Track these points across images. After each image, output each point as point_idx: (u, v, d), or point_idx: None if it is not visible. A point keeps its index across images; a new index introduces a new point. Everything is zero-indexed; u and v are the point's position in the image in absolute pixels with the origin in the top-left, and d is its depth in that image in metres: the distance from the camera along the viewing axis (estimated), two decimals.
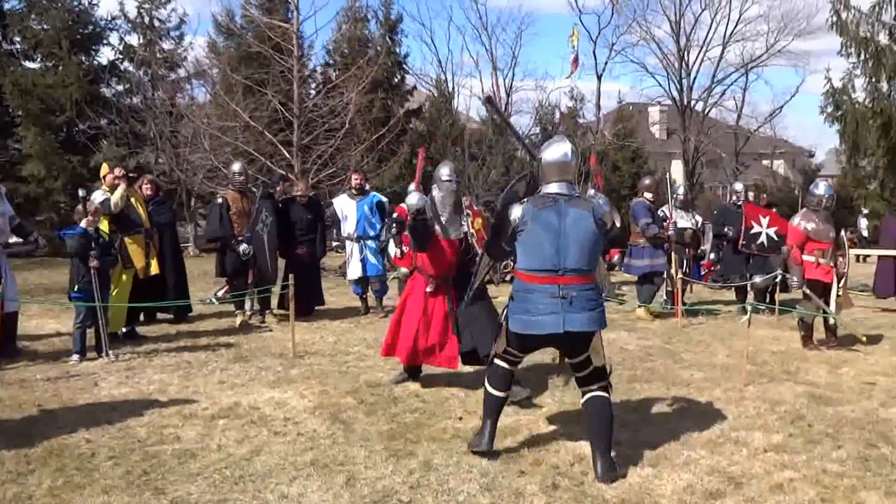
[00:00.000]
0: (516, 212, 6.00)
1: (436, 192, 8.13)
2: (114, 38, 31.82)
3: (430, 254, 7.96)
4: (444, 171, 8.23)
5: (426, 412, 7.48)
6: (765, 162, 58.16)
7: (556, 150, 6.08)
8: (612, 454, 5.98)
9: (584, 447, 6.33)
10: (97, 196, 10.45)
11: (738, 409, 7.56)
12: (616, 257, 20.80)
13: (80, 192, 10.05)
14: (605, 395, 6.15)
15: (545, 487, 5.64)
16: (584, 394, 6.18)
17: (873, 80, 19.26)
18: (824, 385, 8.58)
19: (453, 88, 44.08)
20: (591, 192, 16.17)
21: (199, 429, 7.01)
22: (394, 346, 8.21)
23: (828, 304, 10.62)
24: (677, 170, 50.29)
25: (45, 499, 5.47)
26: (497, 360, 6.38)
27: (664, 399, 8.00)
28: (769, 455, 6.30)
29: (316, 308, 13.35)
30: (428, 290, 8.00)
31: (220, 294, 14.40)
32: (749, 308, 8.97)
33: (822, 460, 6.18)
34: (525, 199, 6.10)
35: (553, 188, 6.02)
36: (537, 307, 5.87)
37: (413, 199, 7.79)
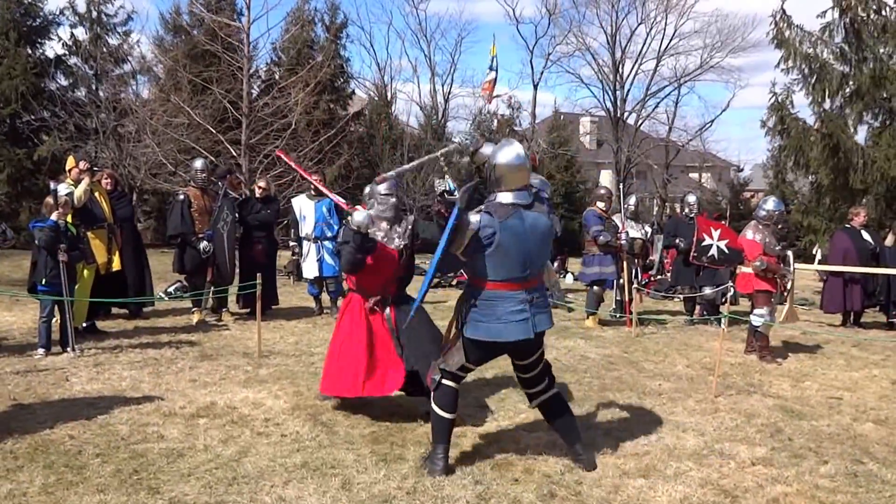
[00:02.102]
0: (474, 221, 5.78)
1: (372, 208, 7.53)
2: (61, 31, 31.53)
3: (368, 270, 7.31)
4: (383, 187, 7.60)
5: (405, 416, 7.47)
6: (692, 175, 58.89)
7: (510, 152, 5.93)
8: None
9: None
10: (62, 189, 10.30)
11: (716, 421, 7.67)
12: (555, 263, 21.03)
13: (51, 185, 9.93)
14: (556, 390, 6.35)
15: (542, 496, 5.68)
16: (533, 397, 6.33)
17: (816, 97, 19.60)
18: (792, 399, 8.74)
19: (392, 93, 44.11)
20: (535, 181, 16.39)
21: (181, 427, 6.98)
22: (337, 384, 7.46)
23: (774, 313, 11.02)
24: (606, 179, 50.75)
25: (41, 496, 5.41)
26: (445, 381, 6.21)
27: (639, 408, 8.09)
28: (758, 468, 6.40)
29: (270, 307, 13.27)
30: (368, 306, 7.43)
31: (171, 290, 14.29)
32: (724, 319, 9.13)
33: (811, 475, 6.28)
34: (482, 209, 5.88)
35: (510, 198, 5.88)
36: (506, 314, 5.84)
37: (360, 216, 7.06)
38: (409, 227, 7.57)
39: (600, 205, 13.75)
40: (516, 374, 6.41)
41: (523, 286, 5.88)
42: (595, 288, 13.52)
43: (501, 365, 9.47)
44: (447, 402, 6.18)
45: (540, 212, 5.97)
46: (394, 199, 7.61)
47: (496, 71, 27.38)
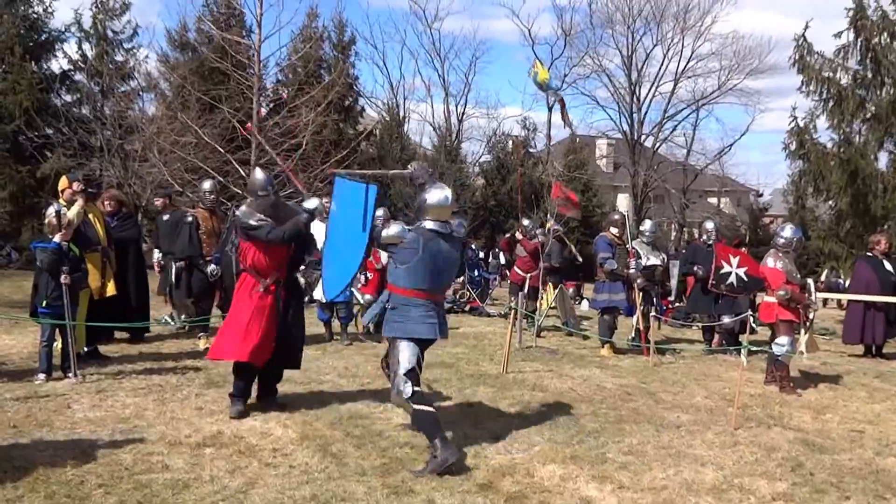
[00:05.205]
0: (401, 231, 7.12)
1: (250, 209, 8.37)
2: (67, 47, 31.33)
3: (266, 255, 8.29)
4: (260, 179, 8.54)
5: (416, 447, 7.28)
6: (711, 199, 58.75)
7: (439, 194, 7.20)
8: None
9: (587, 488, 6.34)
10: (52, 210, 9.97)
11: (735, 455, 7.48)
12: (571, 290, 20.81)
13: (55, 207, 9.68)
14: None
15: None
16: None
17: (836, 121, 19.49)
18: (813, 431, 8.54)
19: (405, 113, 44.04)
20: (551, 222, 16.20)
21: (187, 457, 6.77)
22: (222, 349, 8.38)
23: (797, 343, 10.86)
24: (623, 204, 50.65)
25: None
26: (413, 387, 7.02)
27: (656, 441, 7.88)
28: None
29: None
30: (259, 289, 8.27)
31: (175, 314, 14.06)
32: (744, 351, 8.96)
33: None
34: (412, 228, 7.18)
35: (430, 225, 7.13)
36: (419, 316, 7.04)
37: (313, 203, 8.55)
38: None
39: (613, 231, 13.56)
40: None
41: (430, 297, 7.12)
42: (606, 316, 13.34)
43: (515, 395, 9.40)
44: (424, 399, 7.16)
45: (453, 244, 7.28)
46: (271, 199, 8.50)
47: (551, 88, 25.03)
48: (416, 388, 7.03)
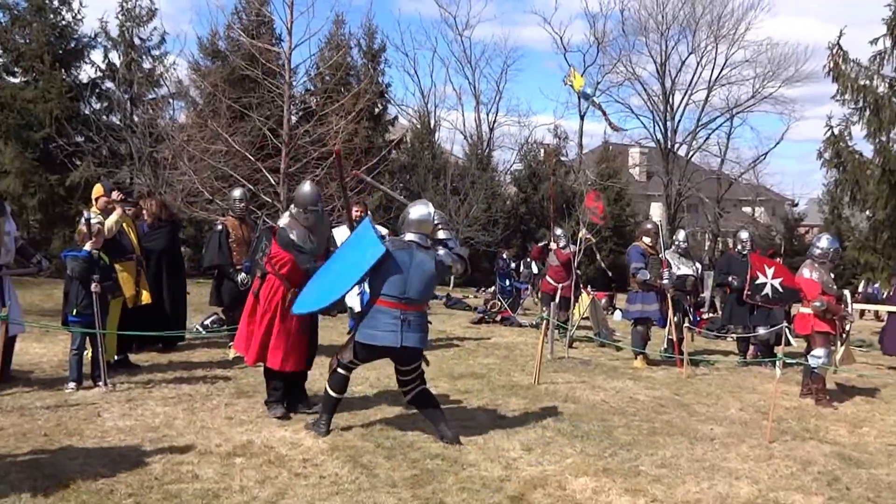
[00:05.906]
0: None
1: (295, 222, 8.50)
2: (95, 55, 31.26)
3: (298, 273, 8.36)
4: (310, 194, 8.59)
5: (447, 458, 7.21)
6: (745, 209, 58.38)
7: (419, 211, 7.90)
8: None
9: (620, 501, 6.29)
10: (83, 219, 9.88)
11: (770, 469, 7.37)
12: (603, 300, 20.70)
13: (85, 215, 9.66)
14: (424, 385, 8.03)
15: None
16: (407, 392, 7.99)
17: (873, 130, 19.27)
18: (850, 445, 8.42)
19: (436, 121, 43.98)
20: (583, 231, 16.08)
21: (217, 467, 6.72)
22: (264, 354, 8.42)
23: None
24: (656, 213, 50.40)
25: None
26: (340, 370, 7.90)
27: (690, 454, 7.77)
28: None
29: None
30: (290, 297, 8.34)
31: (206, 323, 14.01)
32: (779, 363, 8.85)
33: None
34: (387, 239, 7.83)
35: (410, 237, 7.77)
36: (382, 325, 7.56)
37: (344, 232, 9.00)
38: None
39: (646, 240, 13.43)
40: (396, 376, 8.04)
41: (399, 306, 7.57)
42: (639, 327, 13.21)
43: (547, 407, 9.38)
44: (338, 386, 7.93)
45: (430, 256, 7.78)
46: (320, 214, 8.74)
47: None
48: (341, 372, 7.89)
